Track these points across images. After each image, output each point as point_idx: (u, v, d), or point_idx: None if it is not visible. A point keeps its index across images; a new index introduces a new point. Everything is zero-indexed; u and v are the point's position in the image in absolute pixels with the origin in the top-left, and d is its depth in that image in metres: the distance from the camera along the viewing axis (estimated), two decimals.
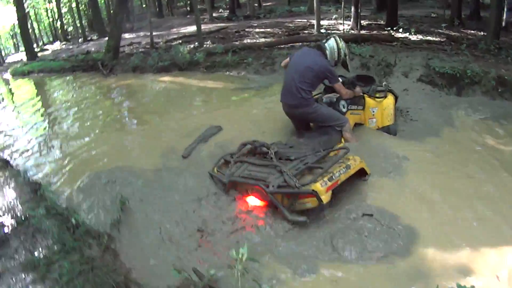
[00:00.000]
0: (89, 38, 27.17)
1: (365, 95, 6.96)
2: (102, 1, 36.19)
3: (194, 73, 11.82)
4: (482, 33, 14.54)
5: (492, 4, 12.29)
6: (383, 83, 7.59)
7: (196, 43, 14.50)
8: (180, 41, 16.44)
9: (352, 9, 15.11)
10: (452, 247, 4.25)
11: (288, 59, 6.72)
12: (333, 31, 14.45)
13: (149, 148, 6.81)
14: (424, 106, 8.40)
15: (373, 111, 7.00)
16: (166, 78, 11.64)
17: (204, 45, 14.14)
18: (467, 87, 9.35)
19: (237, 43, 13.96)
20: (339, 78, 6.47)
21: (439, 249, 4.23)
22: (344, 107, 6.71)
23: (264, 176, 5.06)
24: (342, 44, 6.48)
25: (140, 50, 16.19)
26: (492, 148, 6.82)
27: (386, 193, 5.13)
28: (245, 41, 14.35)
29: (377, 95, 7.04)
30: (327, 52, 6.37)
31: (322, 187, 4.59)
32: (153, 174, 5.95)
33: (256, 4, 26.70)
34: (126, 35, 22.71)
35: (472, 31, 15.14)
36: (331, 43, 6.43)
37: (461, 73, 9.37)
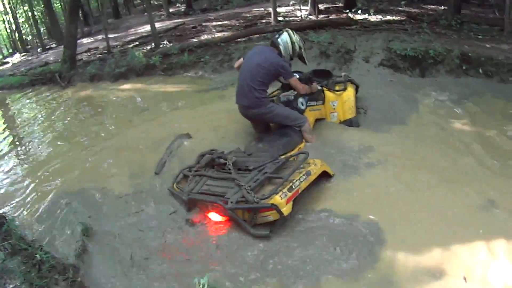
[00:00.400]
0: (47, 47, 26.35)
1: (324, 89, 6.68)
2: (59, 7, 35.29)
3: (151, 77, 11.37)
4: (443, 7, 14.41)
5: None
6: (342, 74, 7.26)
7: (153, 44, 14.12)
8: (137, 43, 15.94)
9: None
10: (421, 247, 4.00)
11: (241, 59, 6.39)
12: (291, 18, 14.15)
13: (116, 165, 6.34)
14: (387, 92, 8.01)
15: (334, 105, 6.73)
16: (125, 86, 11.17)
17: (161, 45, 13.63)
18: (430, 68, 9.14)
19: (194, 40, 13.48)
20: (295, 74, 6.18)
21: (408, 252, 3.98)
22: (302, 105, 6.43)
23: (223, 191, 4.82)
24: (295, 37, 6.16)
25: (97, 56, 15.71)
26: (458, 131, 6.62)
27: (347, 193, 4.95)
28: (202, 37, 13.88)
29: (337, 88, 6.77)
30: (281, 47, 6.06)
31: (282, 199, 4.33)
32: (121, 195, 5.58)
33: None
34: (85, 40, 22.12)
35: (432, 6, 15.02)
36: (284, 38, 6.12)
37: (423, 54, 9.12)
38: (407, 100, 7.75)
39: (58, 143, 8.22)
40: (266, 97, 6.07)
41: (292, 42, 6.14)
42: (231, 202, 4.53)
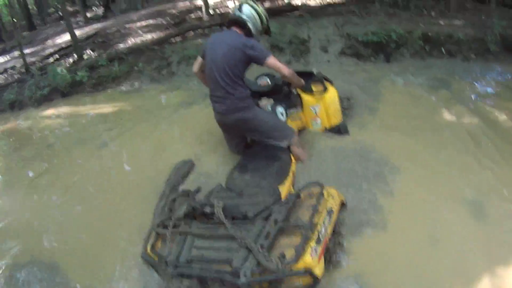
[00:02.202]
0: None
1: (299, 91, 5.23)
2: None
3: (80, 97, 9.33)
4: None
5: None
6: (314, 70, 5.50)
7: (75, 56, 12.06)
8: (57, 56, 13.85)
9: None
10: None
11: (199, 58, 4.78)
12: (222, 11, 12.63)
13: (82, 224, 4.66)
14: (355, 85, 6.80)
15: (315, 110, 5.27)
16: (51, 111, 8.97)
17: (84, 55, 11.74)
18: (394, 52, 8.12)
19: (121, 45, 11.74)
20: (264, 76, 5.03)
21: None
22: (283, 115, 4.94)
23: (225, 257, 3.12)
24: (259, 6, 4.63)
25: (15, 77, 13.46)
26: (430, 121, 5.73)
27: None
28: (129, 41, 12.09)
29: (314, 89, 5.31)
30: (249, 24, 4.49)
31: (313, 258, 2.90)
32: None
33: None
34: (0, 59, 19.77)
35: None
36: (247, 11, 4.51)
37: (387, 39, 8.04)
38: (377, 91, 6.66)
39: None
40: (249, 97, 4.57)
41: (259, 14, 4.57)
42: (245, 275, 2.93)
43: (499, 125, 5.58)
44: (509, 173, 4.50)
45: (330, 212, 3.31)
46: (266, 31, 4.73)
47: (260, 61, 4.34)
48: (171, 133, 6.07)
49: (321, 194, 3.40)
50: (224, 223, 3.24)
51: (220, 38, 4.53)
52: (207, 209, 3.44)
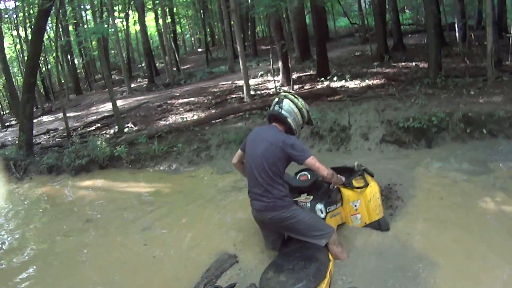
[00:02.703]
0: (7, 124, 24.04)
1: (340, 187, 5.02)
2: (20, 80, 33.11)
3: (118, 171, 9.44)
4: (413, 63, 13.84)
5: (429, 33, 11.05)
6: (355, 164, 5.37)
7: (116, 127, 12.24)
8: (99, 124, 14.15)
9: (280, 64, 13.30)
10: None
11: (239, 151, 4.73)
12: (263, 91, 12.79)
13: None
14: (397, 174, 6.53)
15: (356, 205, 5.08)
16: (88, 183, 9.11)
17: (125, 128, 11.91)
18: (435, 137, 7.88)
19: (162, 123, 11.87)
20: (304, 172, 4.85)
21: None
22: (322, 212, 4.72)
23: None
24: (299, 100, 4.55)
25: (56, 139, 13.64)
26: (474, 210, 5.36)
27: None
28: (170, 118, 12.30)
29: (355, 184, 5.14)
30: (289, 120, 4.41)
31: None
32: None
33: (174, 69, 24.70)
34: (44, 118, 20.44)
35: (403, 63, 14.23)
36: (287, 107, 4.45)
37: (428, 124, 7.85)
38: (422, 180, 6.34)
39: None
40: (288, 196, 4.42)
41: (299, 108, 4.49)
42: None
43: None
44: None
45: None
46: (308, 122, 4.65)
47: (299, 161, 4.23)
48: (212, 221, 5.94)
49: None
50: None
51: (261, 134, 4.47)
52: None
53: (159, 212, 6.69)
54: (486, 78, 10.02)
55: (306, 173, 5.05)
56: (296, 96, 4.50)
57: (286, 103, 4.42)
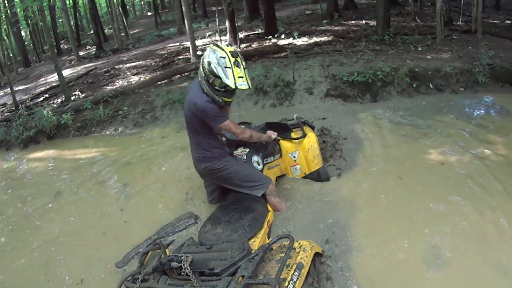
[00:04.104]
0: None
1: (279, 138, 4.90)
2: None
3: (65, 140, 9.02)
4: (363, 21, 13.81)
5: None
6: (294, 116, 5.41)
7: (63, 97, 11.78)
8: (47, 95, 13.57)
9: (227, 23, 13.00)
10: None
11: None
12: None
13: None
14: (340, 126, 6.48)
15: (294, 156, 5.05)
16: (38, 154, 8.57)
17: (73, 96, 11.45)
18: (381, 91, 7.81)
19: (108, 88, 11.42)
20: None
21: None
22: (258, 164, 4.65)
23: None
24: (211, 54, 3.77)
25: (5, 114, 13.09)
26: (417, 162, 5.36)
27: None
28: (117, 83, 11.89)
29: (294, 135, 5.05)
30: (201, 78, 3.92)
31: None
32: None
33: (123, 34, 24.03)
34: None
35: (353, 22, 14.19)
36: (203, 60, 3.87)
37: (373, 78, 7.77)
38: (364, 134, 6.28)
39: None
40: (219, 147, 4.25)
41: (203, 66, 3.85)
42: None
43: (490, 160, 5.26)
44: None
45: (299, 267, 3.02)
46: (225, 87, 3.86)
47: (213, 127, 4.05)
48: (162, 178, 5.82)
49: (291, 247, 3.18)
50: (190, 278, 3.08)
51: (189, 89, 4.18)
52: (174, 264, 3.20)
53: (106, 176, 6.49)
54: (435, 36, 10.11)
55: (242, 126, 4.91)
56: (220, 47, 3.83)
57: (205, 54, 3.87)
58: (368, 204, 4.36)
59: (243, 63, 3.83)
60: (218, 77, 3.72)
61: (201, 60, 3.90)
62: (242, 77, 3.75)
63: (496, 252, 3.54)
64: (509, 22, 12.26)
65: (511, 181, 4.63)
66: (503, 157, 5.29)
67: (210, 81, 3.81)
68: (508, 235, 3.71)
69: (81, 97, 11.20)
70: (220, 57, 3.71)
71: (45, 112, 9.55)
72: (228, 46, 3.95)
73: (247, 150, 4.67)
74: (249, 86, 3.83)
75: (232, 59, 3.73)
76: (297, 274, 2.95)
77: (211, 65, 3.72)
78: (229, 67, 3.70)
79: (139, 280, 3.25)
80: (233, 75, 3.71)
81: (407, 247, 3.70)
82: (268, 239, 3.96)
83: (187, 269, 3.10)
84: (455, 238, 3.76)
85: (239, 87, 3.73)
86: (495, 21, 13.14)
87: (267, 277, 2.97)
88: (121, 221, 4.96)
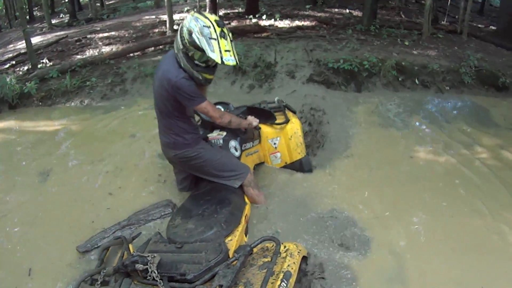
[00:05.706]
0: None
1: (259, 127, 4.43)
2: None
3: (27, 110, 8.18)
4: (347, 10, 13.34)
5: None
6: (276, 99, 4.96)
7: (30, 65, 10.96)
8: (14, 62, 12.78)
9: None
10: None
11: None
12: None
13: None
14: (325, 116, 6.11)
15: (275, 143, 4.59)
16: None
17: (40, 64, 10.67)
18: (366, 82, 7.43)
19: (78, 57, 10.67)
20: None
21: None
22: (236, 150, 4.19)
23: None
24: (187, 21, 3.24)
25: None
26: (397, 157, 5.30)
27: None
28: (87, 52, 11.14)
29: (276, 120, 4.56)
30: (179, 51, 3.36)
31: None
32: None
33: (98, 4, 23.11)
34: None
35: (336, 9, 13.75)
36: (181, 28, 3.32)
37: (359, 67, 7.36)
38: (351, 125, 6.06)
39: None
40: (192, 132, 3.70)
41: (181, 35, 3.29)
42: None
43: (471, 162, 5.27)
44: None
45: (286, 276, 2.54)
46: (206, 61, 3.36)
47: (189, 107, 3.51)
48: (124, 158, 5.30)
49: (277, 252, 2.70)
50: (158, 283, 2.58)
51: (161, 63, 3.61)
52: (139, 266, 2.64)
53: (74, 151, 5.93)
54: (421, 32, 9.85)
55: (219, 106, 4.39)
56: (203, 14, 3.26)
57: (184, 22, 3.31)
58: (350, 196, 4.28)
59: (230, 34, 3.26)
60: (201, 49, 3.17)
61: (178, 29, 3.31)
62: (229, 50, 3.21)
63: None
64: (494, 28, 12.07)
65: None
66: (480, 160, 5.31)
67: (190, 54, 3.25)
68: None
69: (48, 65, 10.42)
70: (204, 26, 3.14)
71: (8, 80, 8.77)
72: (211, 14, 3.38)
73: (224, 133, 4.15)
74: (236, 62, 3.27)
75: (218, 29, 3.16)
76: (285, 285, 2.49)
77: (193, 35, 3.16)
78: (215, 39, 3.14)
79: (98, 282, 2.76)
80: (219, 48, 3.15)
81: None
82: (246, 236, 3.48)
83: (154, 272, 2.59)
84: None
85: (225, 62, 3.16)
86: (479, 25, 13.00)
87: (249, 287, 2.48)
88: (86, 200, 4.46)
